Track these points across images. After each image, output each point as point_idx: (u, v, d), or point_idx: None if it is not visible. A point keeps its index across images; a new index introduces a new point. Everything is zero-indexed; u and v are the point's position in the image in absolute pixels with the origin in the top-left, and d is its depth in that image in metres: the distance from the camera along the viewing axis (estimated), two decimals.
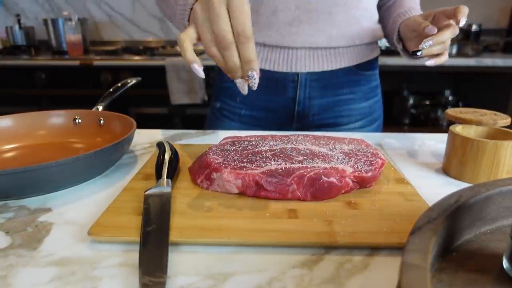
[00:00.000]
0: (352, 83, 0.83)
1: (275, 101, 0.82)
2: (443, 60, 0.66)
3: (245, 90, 0.45)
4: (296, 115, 0.83)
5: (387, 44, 2.21)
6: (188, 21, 0.51)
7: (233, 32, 0.42)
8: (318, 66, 0.78)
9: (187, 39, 0.45)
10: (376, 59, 0.87)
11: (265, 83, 0.81)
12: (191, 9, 0.49)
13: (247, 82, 0.44)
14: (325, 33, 0.75)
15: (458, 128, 0.55)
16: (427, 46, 0.60)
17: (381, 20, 0.83)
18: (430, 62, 0.65)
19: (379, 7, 0.83)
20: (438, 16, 0.64)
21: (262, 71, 0.79)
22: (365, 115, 0.86)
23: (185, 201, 0.44)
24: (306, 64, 0.78)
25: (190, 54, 0.45)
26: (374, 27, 0.81)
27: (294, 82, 0.80)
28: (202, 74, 0.46)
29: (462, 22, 0.60)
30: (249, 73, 0.43)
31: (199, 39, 0.46)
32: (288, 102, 0.82)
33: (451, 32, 0.61)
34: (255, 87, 0.44)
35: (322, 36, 0.75)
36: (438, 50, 0.63)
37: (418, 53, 0.62)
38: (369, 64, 0.84)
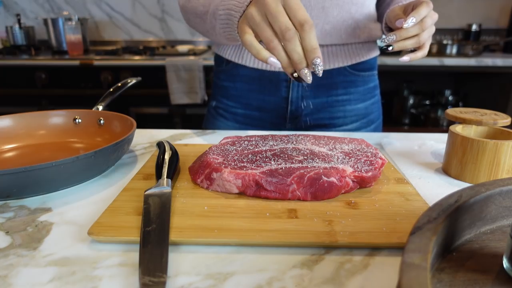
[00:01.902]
0: (348, 83, 0.81)
1: (268, 100, 0.82)
2: (420, 55, 0.63)
3: (310, 79, 0.46)
4: (289, 115, 0.82)
5: None
6: (237, 28, 0.54)
7: (294, 25, 0.45)
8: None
9: (253, 39, 0.48)
10: (374, 59, 0.85)
11: (258, 83, 0.81)
12: (241, 15, 0.52)
13: (313, 70, 0.46)
14: (318, 28, 0.74)
15: (458, 128, 0.55)
16: (389, 41, 0.58)
17: (380, 17, 0.81)
18: (404, 59, 0.63)
19: (380, 4, 0.82)
20: (415, 8, 0.61)
21: (256, 71, 0.79)
22: (361, 116, 0.85)
23: (185, 201, 0.44)
24: None
25: (264, 52, 0.47)
26: (371, 26, 0.79)
27: (287, 82, 0.79)
28: (279, 64, 0.47)
29: (408, 23, 0.57)
30: (315, 60, 0.45)
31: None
32: (281, 102, 0.81)
33: (417, 28, 0.59)
34: (321, 73, 0.46)
35: (316, 31, 0.73)
36: (412, 45, 0.61)
37: (389, 48, 0.59)
38: (366, 65, 0.83)
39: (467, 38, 2.38)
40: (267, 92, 0.81)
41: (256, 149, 0.53)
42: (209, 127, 0.90)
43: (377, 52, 0.85)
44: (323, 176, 0.44)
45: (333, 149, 0.54)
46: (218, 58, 0.88)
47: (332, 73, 0.79)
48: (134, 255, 0.35)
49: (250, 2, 0.51)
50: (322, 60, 0.77)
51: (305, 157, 0.50)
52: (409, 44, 0.60)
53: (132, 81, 0.78)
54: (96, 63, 2.02)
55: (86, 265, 0.34)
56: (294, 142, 0.56)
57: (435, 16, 0.61)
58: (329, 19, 0.73)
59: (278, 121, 0.84)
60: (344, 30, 0.75)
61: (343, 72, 0.80)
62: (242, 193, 0.46)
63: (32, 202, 0.46)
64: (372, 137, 0.72)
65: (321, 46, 0.76)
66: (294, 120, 0.83)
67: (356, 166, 0.48)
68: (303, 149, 0.54)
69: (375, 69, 0.87)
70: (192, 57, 2.02)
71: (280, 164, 0.48)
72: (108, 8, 2.51)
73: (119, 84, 0.75)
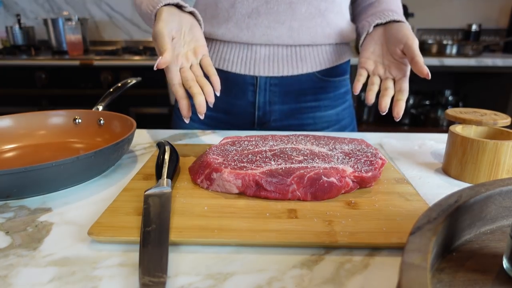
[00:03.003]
0: (317, 90, 0.78)
1: (235, 104, 0.79)
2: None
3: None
4: (257, 120, 0.80)
5: None
6: None
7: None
8: (278, 70, 0.75)
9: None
10: (346, 63, 0.82)
11: (225, 85, 0.76)
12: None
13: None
14: (285, 25, 0.71)
15: (458, 128, 0.55)
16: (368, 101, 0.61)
17: (354, 19, 0.78)
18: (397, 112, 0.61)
19: (355, 10, 0.79)
20: (407, 49, 0.61)
21: (221, 72, 0.74)
22: (331, 123, 0.82)
23: (185, 201, 0.44)
24: (265, 67, 0.74)
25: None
26: (343, 26, 0.75)
27: (253, 86, 0.76)
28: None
29: (384, 111, 0.59)
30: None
31: None
32: (248, 106, 0.79)
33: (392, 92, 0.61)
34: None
35: (283, 28, 0.71)
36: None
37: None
38: (337, 70, 0.79)
39: (467, 38, 2.38)
40: (233, 95, 0.79)
41: (256, 149, 0.53)
42: (176, 128, 0.85)
43: (349, 56, 0.82)
44: (323, 176, 0.44)
45: (333, 149, 0.54)
46: None
47: (301, 79, 0.76)
48: (134, 255, 0.35)
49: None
50: (289, 64, 0.76)
51: (305, 157, 0.50)
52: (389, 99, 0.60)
53: (132, 81, 0.78)
54: (96, 63, 2.02)
55: (86, 265, 0.34)
56: (294, 142, 0.56)
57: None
58: (296, 15, 0.71)
59: (246, 125, 0.81)
60: (313, 27, 0.72)
61: (312, 78, 0.77)
62: (242, 193, 0.46)
63: (32, 202, 0.46)
64: (372, 137, 0.72)
65: (290, 46, 0.74)
66: (263, 126, 0.81)
67: (356, 166, 0.48)
68: (303, 149, 0.54)
69: (347, 73, 0.84)
70: None
71: (280, 164, 0.48)
72: (108, 8, 2.51)
73: (119, 84, 0.75)
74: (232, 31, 0.73)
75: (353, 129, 0.88)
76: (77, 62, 2.02)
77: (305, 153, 0.52)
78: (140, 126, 0.67)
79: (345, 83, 0.84)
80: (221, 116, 0.82)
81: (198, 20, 0.64)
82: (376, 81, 0.63)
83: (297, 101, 0.79)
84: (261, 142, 0.56)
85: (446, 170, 0.56)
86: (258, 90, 0.77)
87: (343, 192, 0.46)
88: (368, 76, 0.65)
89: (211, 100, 0.55)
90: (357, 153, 0.52)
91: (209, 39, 0.77)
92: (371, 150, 0.53)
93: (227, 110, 0.81)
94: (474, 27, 2.37)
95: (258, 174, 0.45)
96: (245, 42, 0.73)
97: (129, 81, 0.77)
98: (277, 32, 0.72)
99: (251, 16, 0.71)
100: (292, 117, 0.80)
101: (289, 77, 0.76)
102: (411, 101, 2.45)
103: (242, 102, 0.79)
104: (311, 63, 0.76)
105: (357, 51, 1.92)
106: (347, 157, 0.51)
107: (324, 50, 0.76)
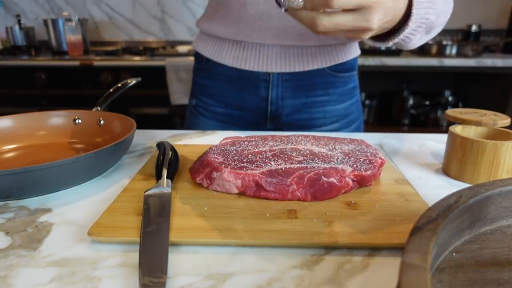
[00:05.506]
0: (327, 84, 0.81)
1: (248, 99, 0.82)
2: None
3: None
4: (269, 114, 0.82)
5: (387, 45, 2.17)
6: None
7: None
8: (289, 67, 0.77)
9: None
10: (354, 60, 0.84)
11: (238, 82, 0.81)
12: None
13: None
14: (295, 29, 0.73)
15: (458, 129, 0.55)
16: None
17: None
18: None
19: None
20: None
21: (234, 70, 0.79)
22: (340, 117, 0.85)
23: (185, 201, 0.44)
24: (277, 63, 0.77)
25: None
26: None
27: (266, 82, 0.79)
28: None
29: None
30: None
31: None
32: (261, 101, 0.81)
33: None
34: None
35: (293, 31, 0.73)
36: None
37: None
38: (346, 66, 0.82)
39: (467, 39, 2.38)
40: (246, 91, 0.81)
41: (256, 150, 0.53)
42: (191, 126, 0.89)
43: (357, 53, 0.85)
44: (323, 177, 0.44)
45: (333, 150, 0.54)
46: (197, 55, 0.87)
47: (311, 74, 0.79)
48: (134, 256, 0.35)
49: None
50: (300, 60, 0.71)
51: (305, 158, 0.50)
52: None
53: (132, 81, 0.78)
54: (96, 63, 2.02)
55: (86, 266, 0.34)
56: (294, 143, 0.56)
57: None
58: None
59: (258, 120, 0.83)
60: None
61: (322, 73, 0.80)
62: (242, 194, 0.46)
63: (32, 202, 0.46)
64: (372, 137, 0.72)
65: (300, 46, 0.76)
66: (275, 120, 0.83)
67: (355, 166, 0.48)
68: (303, 149, 0.54)
69: (355, 69, 0.86)
70: (192, 58, 2.02)
71: (280, 165, 0.48)
72: (108, 8, 2.51)
73: (119, 85, 0.75)
74: (243, 32, 0.75)
75: (360, 124, 0.90)
76: (77, 63, 2.02)
77: (305, 153, 0.52)
78: (140, 126, 0.67)
79: (353, 79, 0.86)
80: (235, 112, 0.84)
81: None
82: None
83: (308, 96, 0.81)
84: (261, 143, 0.56)
85: (446, 170, 0.56)
86: (271, 86, 0.79)
87: (343, 192, 0.46)
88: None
89: None
90: (357, 153, 0.52)
91: (221, 39, 0.79)
92: (371, 150, 0.53)
93: (241, 106, 0.83)
94: (474, 28, 2.37)
95: (258, 174, 0.45)
96: (256, 42, 0.75)
97: (129, 81, 0.77)
98: (288, 35, 0.74)
99: (261, 18, 0.73)
100: (303, 111, 0.82)
101: (300, 72, 0.78)
102: (410, 101, 2.45)
103: (255, 98, 0.81)
104: (321, 60, 0.78)
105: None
106: (347, 157, 0.51)
107: (334, 49, 0.79)
